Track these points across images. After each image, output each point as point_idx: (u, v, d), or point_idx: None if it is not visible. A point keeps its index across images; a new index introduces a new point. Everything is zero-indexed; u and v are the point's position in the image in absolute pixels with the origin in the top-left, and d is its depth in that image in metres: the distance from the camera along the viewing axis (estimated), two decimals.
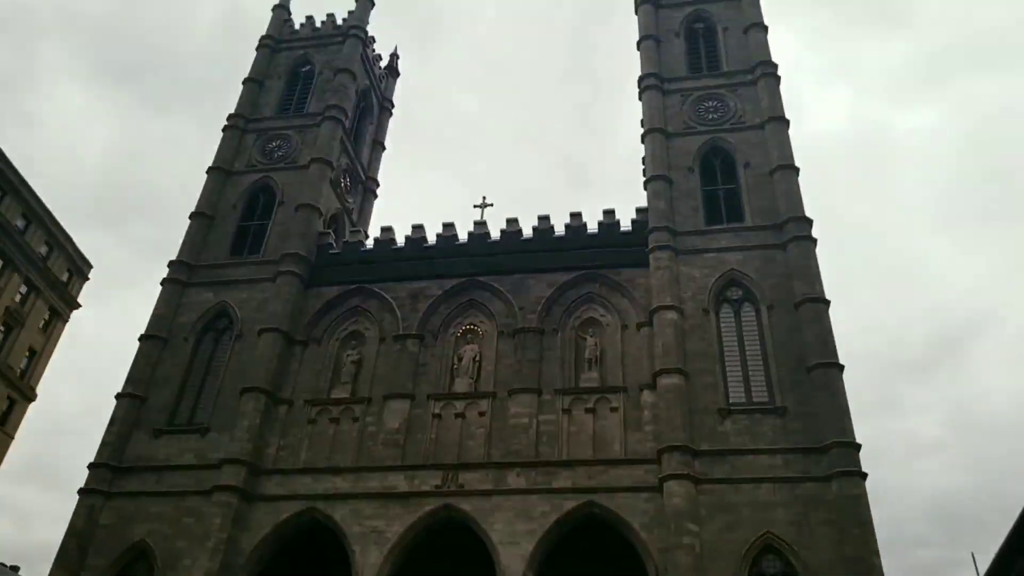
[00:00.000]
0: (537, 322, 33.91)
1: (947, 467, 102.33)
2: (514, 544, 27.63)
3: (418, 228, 38.50)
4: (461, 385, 33.08)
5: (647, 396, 30.73)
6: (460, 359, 33.96)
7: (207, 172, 42.26)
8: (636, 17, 44.61)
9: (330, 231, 40.51)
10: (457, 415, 32.08)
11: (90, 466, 32.20)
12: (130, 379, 34.62)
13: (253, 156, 43.03)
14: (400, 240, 38.50)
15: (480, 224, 38.15)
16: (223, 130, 44.09)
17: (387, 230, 39.03)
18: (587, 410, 31.17)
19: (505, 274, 35.83)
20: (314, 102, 44.82)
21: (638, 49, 42.86)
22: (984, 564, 41.85)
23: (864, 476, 26.92)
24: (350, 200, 46.17)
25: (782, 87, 39.35)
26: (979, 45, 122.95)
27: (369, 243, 39.85)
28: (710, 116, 39.36)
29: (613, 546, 29.01)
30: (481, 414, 31.84)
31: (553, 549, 28.50)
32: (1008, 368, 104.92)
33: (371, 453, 31.46)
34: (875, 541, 25.49)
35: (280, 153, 42.83)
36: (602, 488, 28.55)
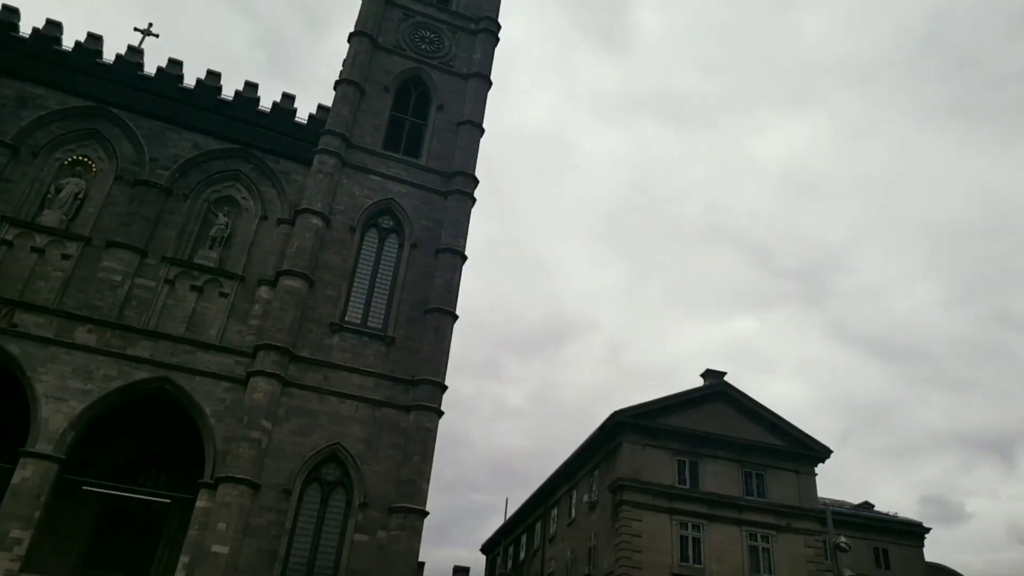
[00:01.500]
0: (168, 180, 33.00)
1: (518, 431, 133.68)
2: (62, 400, 26.77)
3: (55, 25, 34.51)
4: (51, 219, 30.70)
5: (263, 292, 31.97)
6: (59, 190, 31.52)
7: None
8: None
9: None
10: (35, 249, 29.76)
11: None
12: None
13: None
14: (26, 31, 34.20)
15: (136, 51, 35.62)
16: None
17: (12, 11, 34.29)
18: (194, 287, 31.37)
19: (147, 117, 34.12)
20: None
21: None
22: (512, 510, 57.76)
23: (440, 414, 31.61)
24: None
25: (498, 53, 43.42)
26: (671, 96, 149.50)
27: None
28: (423, 46, 41.77)
29: (180, 428, 29.75)
30: (66, 257, 30.03)
31: (108, 415, 28.28)
32: (586, 368, 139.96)
33: None
34: (429, 470, 30.14)
35: None
36: (183, 368, 29.06)
